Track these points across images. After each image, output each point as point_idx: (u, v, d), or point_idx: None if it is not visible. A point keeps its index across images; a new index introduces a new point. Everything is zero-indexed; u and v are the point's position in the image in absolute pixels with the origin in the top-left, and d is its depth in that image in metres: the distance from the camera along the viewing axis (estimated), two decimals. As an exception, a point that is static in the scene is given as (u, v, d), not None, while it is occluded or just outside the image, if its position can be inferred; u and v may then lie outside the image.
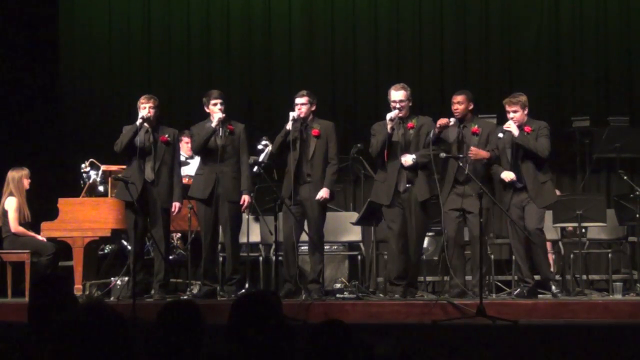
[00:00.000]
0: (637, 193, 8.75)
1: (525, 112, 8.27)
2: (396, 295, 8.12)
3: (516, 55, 11.44)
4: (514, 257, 8.43)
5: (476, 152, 8.18)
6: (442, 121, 8.17)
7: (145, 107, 8.33)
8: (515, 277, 8.54)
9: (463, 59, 11.49)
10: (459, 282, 8.15)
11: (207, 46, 11.74)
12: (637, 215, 8.70)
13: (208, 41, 11.74)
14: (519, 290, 8.22)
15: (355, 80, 11.44)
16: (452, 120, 8.23)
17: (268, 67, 11.63)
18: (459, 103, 8.32)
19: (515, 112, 8.23)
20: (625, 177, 9.26)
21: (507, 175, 8.19)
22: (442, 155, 8.09)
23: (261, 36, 11.67)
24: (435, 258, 9.31)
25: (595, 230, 9.16)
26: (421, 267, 8.73)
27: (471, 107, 8.38)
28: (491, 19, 11.51)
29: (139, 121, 8.28)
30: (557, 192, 10.15)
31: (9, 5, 11.12)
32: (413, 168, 8.17)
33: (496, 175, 8.27)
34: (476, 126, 8.32)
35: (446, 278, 8.57)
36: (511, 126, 8.19)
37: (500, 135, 8.24)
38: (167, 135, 8.40)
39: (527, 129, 8.21)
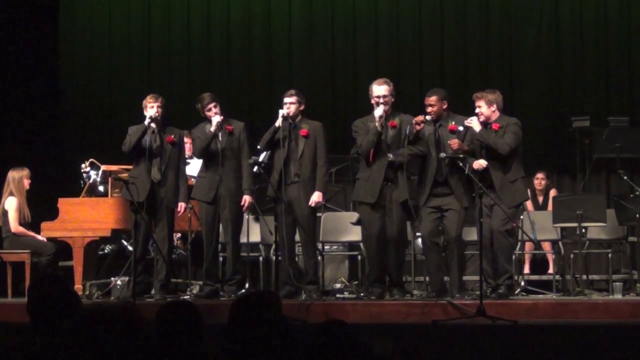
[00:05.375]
0: (637, 193, 8.75)
1: (493, 108, 8.02)
2: (372, 297, 8.05)
3: (516, 54, 11.45)
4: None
5: (459, 144, 7.95)
6: (417, 118, 8.01)
7: (153, 107, 8.31)
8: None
9: (463, 59, 11.49)
10: (437, 280, 8.06)
11: (207, 46, 11.75)
12: (637, 215, 8.70)
13: (208, 41, 11.75)
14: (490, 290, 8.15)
15: (355, 80, 11.44)
16: (428, 117, 8.06)
17: (268, 67, 11.64)
18: (431, 105, 8.10)
19: (479, 107, 8.05)
20: (625, 177, 9.25)
21: (479, 163, 7.94)
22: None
23: (261, 36, 11.68)
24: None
25: (595, 230, 9.15)
26: (405, 266, 8.62)
27: (445, 106, 8.14)
28: (491, 19, 11.51)
29: (147, 121, 8.26)
30: (554, 192, 10.18)
31: (9, 5, 11.12)
32: (390, 166, 8.10)
33: (471, 168, 7.94)
34: (453, 123, 8.12)
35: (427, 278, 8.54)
36: (473, 121, 7.99)
37: (461, 128, 8.03)
38: (173, 136, 8.40)
39: (494, 126, 7.98)
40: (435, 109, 8.13)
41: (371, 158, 8.08)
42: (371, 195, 8.08)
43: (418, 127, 8.01)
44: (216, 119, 8.29)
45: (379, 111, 8.05)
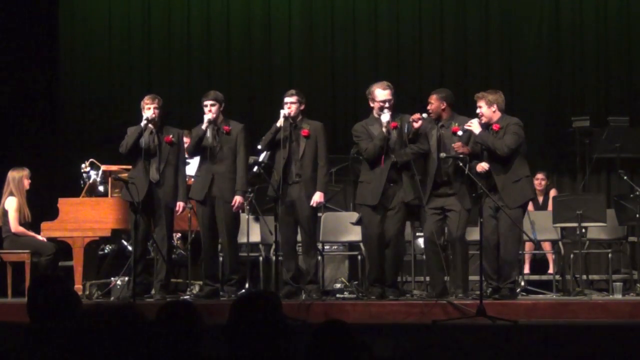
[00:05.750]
0: (637, 193, 8.75)
1: (493, 109, 8.00)
2: (372, 297, 8.04)
3: (516, 55, 11.45)
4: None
5: (463, 147, 7.93)
6: (414, 116, 8.01)
7: (149, 108, 8.31)
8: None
9: (463, 59, 11.49)
10: (438, 281, 8.06)
11: (207, 46, 11.75)
12: (637, 215, 8.70)
13: (208, 41, 11.75)
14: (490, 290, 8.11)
15: (355, 80, 11.43)
16: (424, 115, 8.06)
17: (268, 68, 11.64)
18: (430, 103, 8.14)
19: (480, 107, 8.03)
20: (625, 177, 9.25)
21: (482, 166, 7.93)
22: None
23: (261, 36, 11.68)
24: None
25: (595, 230, 9.15)
26: (401, 268, 8.62)
27: (444, 106, 8.13)
28: (491, 19, 11.52)
29: (143, 122, 8.26)
30: (554, 192, 10.18)
31: (9, 5, 11.12)
32: (394, 167, 8.09)
33: (474, 170, 7.94)
34: (456, 125, 8.10)
35: (427, 278, 8.54)
36: (473, 124, 7.96)
37: (460, 133, 8.03)
38: (171, 136, 8.40)
39: (495, 127, 7.97)
40: (433, 107, 8.15)
41: (382, 163, 8.05)
42: (373, 198, 8.06)
43: (416, 125, 8.01)
44: (207, 116, 8.30)
45: (385, 117, 8.02)
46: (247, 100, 11.48)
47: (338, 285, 9.05)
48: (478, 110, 8.06)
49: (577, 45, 11.36)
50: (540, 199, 10.31)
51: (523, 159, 8.09)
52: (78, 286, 8.47)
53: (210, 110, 8.30)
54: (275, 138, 8.20)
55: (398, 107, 8.32)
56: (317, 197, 8.20)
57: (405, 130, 8.01)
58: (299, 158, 8.23)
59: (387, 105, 8.08)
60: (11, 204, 8.94)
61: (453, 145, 8.00)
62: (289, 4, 11.68)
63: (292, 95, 8.28)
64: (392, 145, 8.08)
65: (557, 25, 11.40)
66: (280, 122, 8.17)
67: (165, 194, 8.33)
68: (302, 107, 8.32)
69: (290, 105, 8.24)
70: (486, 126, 8.02)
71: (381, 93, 8.12)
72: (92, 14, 11.74)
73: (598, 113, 10.76)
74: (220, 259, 8.61)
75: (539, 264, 10.28)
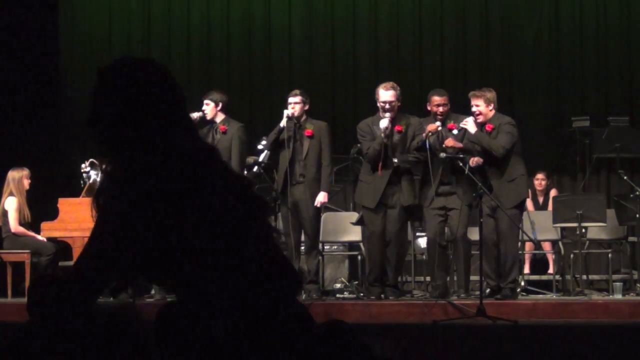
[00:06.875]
0: (637, 193, 8.75)
1: (490, 108, 8.02)
2: (372, 297, 8.06)
3: (516, 55, 11.44)
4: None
5: (454, 142, 7.96)
6: (431, 127, 7.99)
7: None
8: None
9: (463, 59, 11.49)
10: (440, 282, 8.07)
11: (207, 46, 11.75)
12: (637, 215, 8.70)
13: (208, 41, 11.75)
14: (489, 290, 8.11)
15: (355, 81, 11.43)
16: (439, 124, 8.06)
17: (268, 68, 11.63)
18: (445, 105, 8.11)
19: (477, 106, 8.03)
20: (625, 177, 9.25)
21: (474, 160, 7.93)
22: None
23: (261, 36, 11.67)
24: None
25: (595, 230, 9.16)
26: (402, 269, 8.63)
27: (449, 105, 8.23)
28: (491, 19, 11.51)
29: None
30: (554, 192, 10.18)
31: (10, 5, 11.12)
32: (395, 171, 8.09)
33: (469, 166, 7.92)
34: (452, 122, 8.12)
35: (429, 278, 8.56)
36: (468, 123, 7.95)
37: (455, 132, 8.02)
38: None
39: (488, 127, 7.99)
40: (447, 108, 8.14)
41: (379, 171, 8.02)
42: (372, 201, 8.07)
43: (426, 136, 7.98)
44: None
45: (384, 122, 8.01)
46: (247, 100, 11.48)
47: (338, 285, 9.05)
48: (475, 109, 8.05)
49: (577, 45, 11.35)
50: (541, 199, 10.31)
51: (518, 158, 8.08)
52: (78, 286, 8.46)
53: (203, 109, 8.37)
54: (279, 138, 8.20)
55: (399, 107, 8.29)
56: (321, 197, 8.20)
57: (426, 143, 7.92)
58: (303, 158, 8.23)
59: (387, 107, 8.04)
60: (11, 204, 8.94)
61: (445, 142, 8.00)
62: (289, 4, 11.68)
63: (296, 95, 8.29)
64: (394, 148, 8.07)
65: (557, 25, 11.40)
66: (283, 123, 8.17)
67: None
68: (306, 107, 8.32)
69: (294, 105, 8.25)
70: (481, 125, 8.02)
71: (383, 94, 8.10)
72: (93, 14, 11.73)
73: (598, 113, 10.75)
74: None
75: (539, 264, 10.28)
